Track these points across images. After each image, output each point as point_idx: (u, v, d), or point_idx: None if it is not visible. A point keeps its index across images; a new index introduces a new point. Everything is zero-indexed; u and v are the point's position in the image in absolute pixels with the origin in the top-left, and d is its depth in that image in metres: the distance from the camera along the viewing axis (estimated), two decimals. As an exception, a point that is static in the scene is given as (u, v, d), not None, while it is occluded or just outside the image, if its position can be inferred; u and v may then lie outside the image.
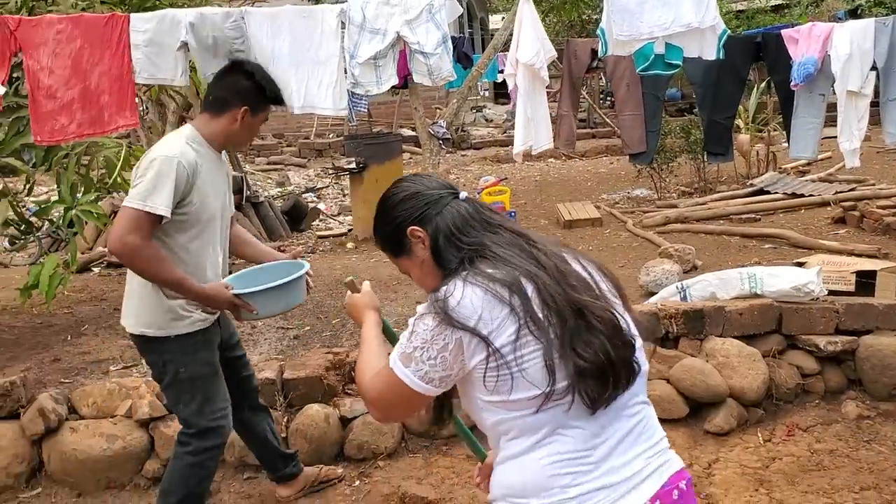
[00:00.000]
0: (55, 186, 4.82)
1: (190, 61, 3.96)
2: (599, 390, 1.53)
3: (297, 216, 9.18)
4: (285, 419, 4.01)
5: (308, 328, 5.23)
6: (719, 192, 9.37)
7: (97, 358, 4.81)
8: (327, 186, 12.13)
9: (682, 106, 16.72)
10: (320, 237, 8.75)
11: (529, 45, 4.20)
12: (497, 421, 1.61)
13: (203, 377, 3.03)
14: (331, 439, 3.94)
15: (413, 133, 16.22)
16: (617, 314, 1.59)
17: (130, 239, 2.73)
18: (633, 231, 7.68)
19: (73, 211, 4.62)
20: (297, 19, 3.39)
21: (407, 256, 1.75)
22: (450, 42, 3.75)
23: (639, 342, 1.63)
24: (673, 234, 7.52)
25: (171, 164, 2.77)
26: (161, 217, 2.77)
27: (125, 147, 4.67)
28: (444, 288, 1.58)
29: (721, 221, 7.83)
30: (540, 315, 1.53)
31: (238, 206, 8.39)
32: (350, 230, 8.81)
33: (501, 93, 18.24)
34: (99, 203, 8.23)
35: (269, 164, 14.50)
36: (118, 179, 4.67)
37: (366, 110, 12.06)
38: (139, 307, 2.96)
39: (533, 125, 4.26)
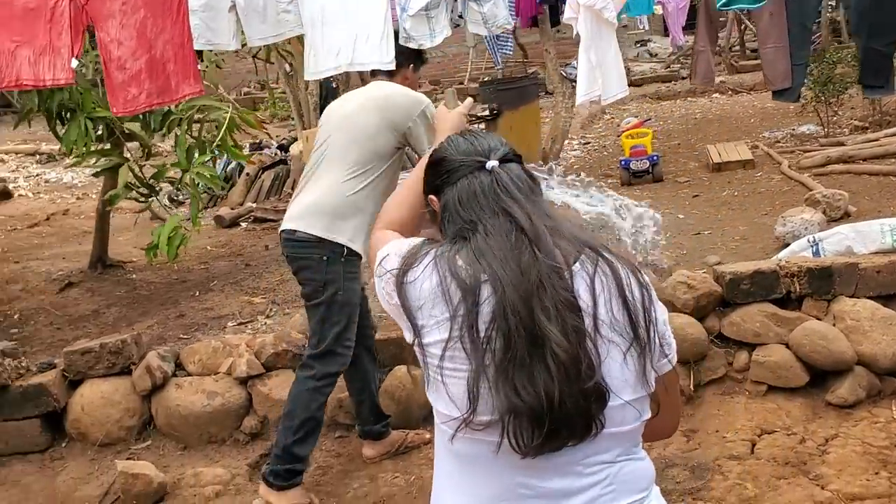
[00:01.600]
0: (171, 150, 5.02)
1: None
2: (531, 436, 1.29)
3: (438, 165, 9.14)
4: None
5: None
6: (898, 125, 8.38)
7: (218, 314, 5.03)
8: (474, 133, 12.01)
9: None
10: (458, 187, 8.67)
11: (591, -14, 3.84)
12: (436, 424, 1.46)
13: (352, 305, 3.27)
14: (418, 402, 3.90)
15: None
16: (587, 355, 1.31)
17: None
18: (786, 173, 7.03)
19: (189, 174, 4.79)
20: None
21: (435, 222, 1.62)
22: (504, -14, 3.51)
23: (618, 400, 1.34)
24: (832, 176, 6.81)
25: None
26: None
27: (231, 110, 4.79)
28: (414, 256, 1.45)
29: (893, 161, 7.00)
30: (482, 333, 1.32)
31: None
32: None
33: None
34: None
35: (423, 111, 14.56)
36: (224, 141, 4.81)
37: (512, 52, 11.76)
38: (333, 215, 3.17)
39: (599, 73, 3.89)
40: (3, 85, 3.35)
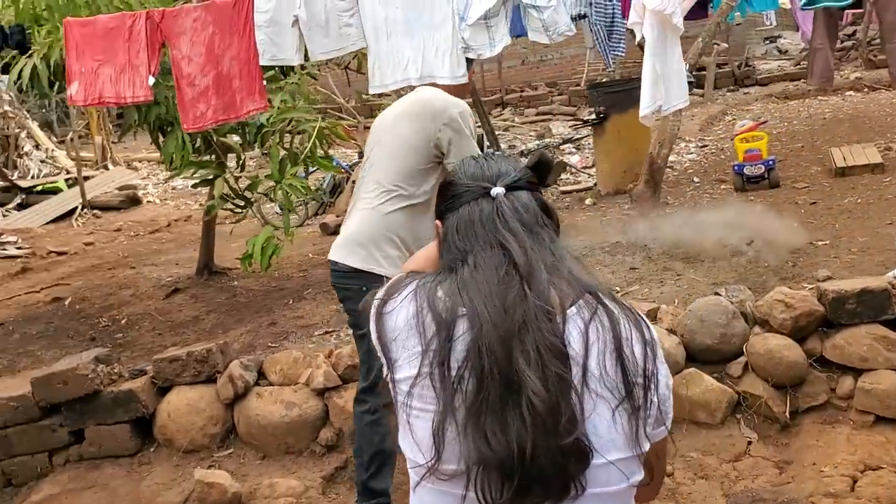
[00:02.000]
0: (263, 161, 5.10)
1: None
2: (500, 491, 1.17)
3: (543, 171, 8.96)
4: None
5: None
6: None
7: (308, 322, 5.08)
8: (585, 136, 11.74)
9: None
10: (563, 193, 8.49)
11: (658, -13, 3.57)
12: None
13: None
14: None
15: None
16: (569, 408, 1.18)
17: None
18: (921, 178, 6.48)
19: (281, 185, 4.86)
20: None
21: None
22: (565, -7, 3.31)
23: (602, 459, 1.21)
24: (975, 180, 6.24)
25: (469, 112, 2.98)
26: None
27: (320, 121, 4.82)
28: (397, 286, 1.37)
29: None
30: (453, 371, 1.21)
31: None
32: (595, 185, 8.44)
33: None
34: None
35: (537, 114, 14.37)
36: (312, 153, 4.85)
37: (624, 53, 11.42)
38: (371, 245, 2.99)
39: (662, 83, 3.61)
40: (87, 102, 3.49)
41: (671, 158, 9.33)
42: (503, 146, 11.22)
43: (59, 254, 8.08)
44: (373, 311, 1.36)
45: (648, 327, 1.30)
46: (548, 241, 1.35)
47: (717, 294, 4.02)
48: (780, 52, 16.29)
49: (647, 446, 1.25)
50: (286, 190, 4.86)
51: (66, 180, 11.68)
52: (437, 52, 3.06)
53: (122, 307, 5.88)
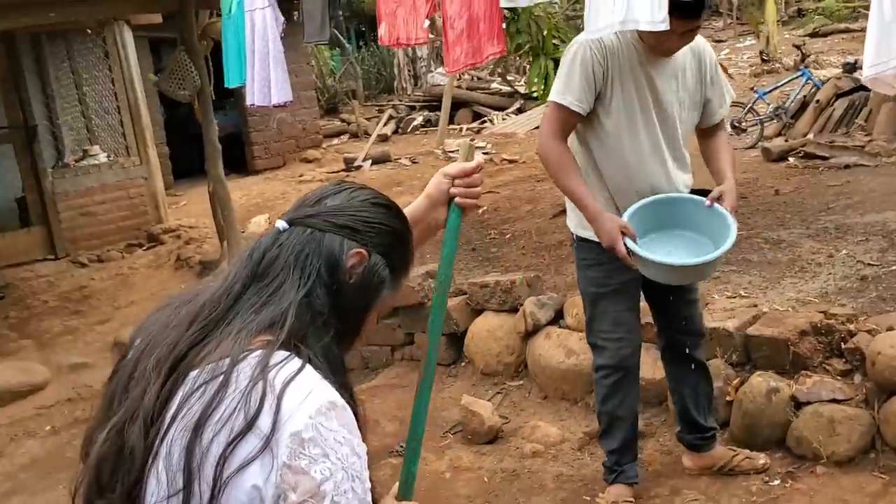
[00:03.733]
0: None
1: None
2: None
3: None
4: (737, 380, 3.40)
5: None
6: None
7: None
8: None
9: None
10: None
11: None
12: None
13: (587, 295, 3.00)
14: (769, 420, 3.19)
15: None
16: (122, 472, 1.09)
17: (543, 137, 2.81)
18: None
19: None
20: None
21: None
22: None
23: None
24: None
25: (576, 50, 2.74)
26: (575, 113, 2.72)
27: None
28: None
29: None
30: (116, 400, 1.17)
31: None
32: None
33: None
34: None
35: None
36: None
37: None
38: (568, 205, 3.00)
39: None
40: (390, 42, 3.70)
41: None
42: None
43: (510, 162, 8.73)
44: None
45: (275, 420, 1.03)
46: (275, 293, 1.17)
47: None
48: None
49: None
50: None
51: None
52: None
53: (515, 222, 6.20)
